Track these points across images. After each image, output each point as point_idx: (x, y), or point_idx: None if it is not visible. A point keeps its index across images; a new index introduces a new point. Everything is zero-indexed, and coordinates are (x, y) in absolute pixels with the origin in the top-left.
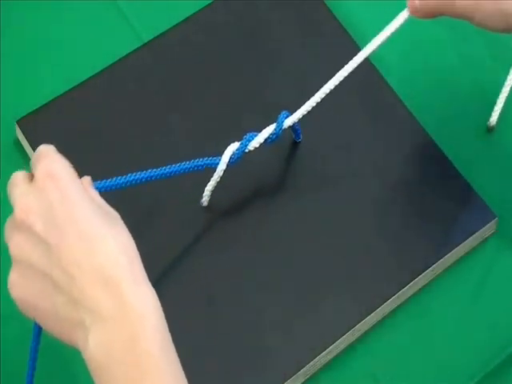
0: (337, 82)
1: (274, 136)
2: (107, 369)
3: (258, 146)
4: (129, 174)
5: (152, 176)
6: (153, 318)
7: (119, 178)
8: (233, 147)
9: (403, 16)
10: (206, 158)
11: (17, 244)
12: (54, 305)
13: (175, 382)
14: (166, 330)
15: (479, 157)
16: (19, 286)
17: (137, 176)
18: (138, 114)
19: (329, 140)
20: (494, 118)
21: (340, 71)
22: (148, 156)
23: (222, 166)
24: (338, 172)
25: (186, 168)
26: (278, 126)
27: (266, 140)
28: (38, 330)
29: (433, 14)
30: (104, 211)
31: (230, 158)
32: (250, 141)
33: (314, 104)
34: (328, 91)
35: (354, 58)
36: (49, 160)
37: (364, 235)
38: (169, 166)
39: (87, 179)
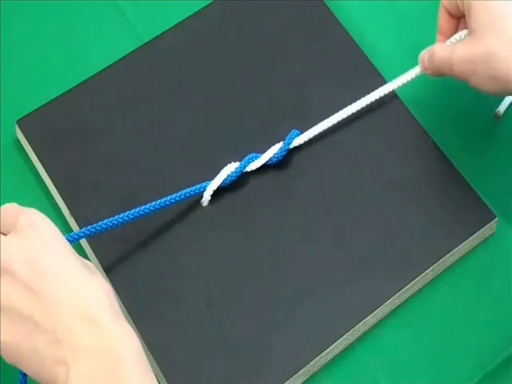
0: (353, 111)
1: (280, 155)
2: None
3: (259, 166)
4: (111, 218)
5: (134, 217)
6: (133, 349)
7: (95, 225)
8: (230, 168)
9: (416, 71)
10: (192, 188)
11: (1, 291)
12: (36, 346)
13: None
14: (146, 360)
15: (479, 157)
16: (3, 330)
17: (120, 218)
18: (137, 114)
19: (327, 140)
20: (501, 108)
21: (360, 100)
22: (148, 156)
23: (214, 187)
24: (338, 172)
25: (172, 202)
26: (284, 146)
27: (269, 160)
28: (24, 378)
29: (438, 74)
30: (82, 261)
31: (227, 177)
32: (250, 162)
33: (326, 127)
34: (341, 118)
35: (377, 91)
36: (30, 212)
37: (364, 235)
38: (153, 203)
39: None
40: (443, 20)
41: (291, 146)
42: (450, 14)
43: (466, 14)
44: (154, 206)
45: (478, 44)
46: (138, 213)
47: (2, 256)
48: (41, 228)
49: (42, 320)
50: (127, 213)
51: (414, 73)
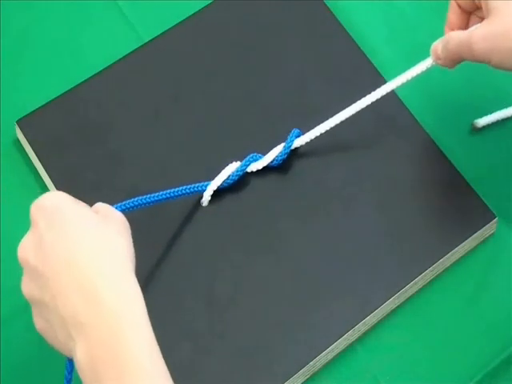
0: (354, 112)
1: (281, 158)
2: (94, 374)
3: (260, 168)
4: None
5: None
6: (132, 316)
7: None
8: (231, 168)
9: (427, 63)
10: (195, 185)
11: (23, 283)
12: (52, 327)
13: (159, 377)
14: (147, 326)
15: (479, 157)
16: (35, 320)
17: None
18: (138, 114)
19: (328, 140)
20: (481, 121)
21: (361, 100)
22: (148, 156)
23: (214, 187)
24: (338, 173)
25: (175, 195)
26: (285, 149)
27: (271, 161)
28: (70, 365)
29: (454, 61)
30: (99, 217)
31: (228, 177)
32: (251, 162)
33: (328, 128)
34: (343, 119)
35: (378, 90)
36: (40, 197)
37: (364, 235)
38: (159, 193)
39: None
40: (453, 14)
41: (292, 147)
42: (462, 8)
43: None
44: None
45: (498, 21)
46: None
47: (18, 249)
48: (46, 206)
49: (50, 301)
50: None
51: (424, 66)
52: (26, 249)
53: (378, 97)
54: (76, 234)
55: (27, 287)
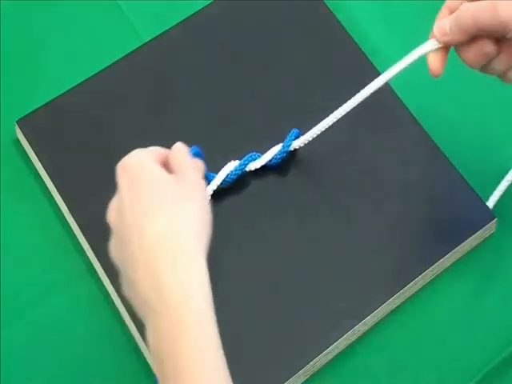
0: (350, 108)
1: (279, 158)
2: (157, 355)
3: (259, 167)
4: None
5: None
6: (192, 311)
7: None
8: (231, 166)
9: (427, 47)
10: None
11: (110, 243)
12: (134, 295)
13: (214, 367)
14: (208, 319)
15: (479, 158)
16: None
17: None
18: (137, 114)
19: (328, 142)
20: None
21: (356, 95)
22: None
23: (213, 186)
24: (337, 172)
25: None
26: (284, 148)
27: (269, 161)
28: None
29: (467, 33)
30: (174, 183)
31: (227, 175)
32: (250, 161)
33: (327, 126)
34: (340, 116)
35: (372, 83)
36: (125, 156)
37: (364, 236)
38: None
39: (178, 148)
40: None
41: (291, 148)
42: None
43: None
44: None
45: None
46: None
47: (107, 212)
48: (128, 169)
49: (130, 271)
50: None
51: (423, 50)
52: (110, 211)
53: (375, 89)
54: (150, 203)
55: (113, 248)
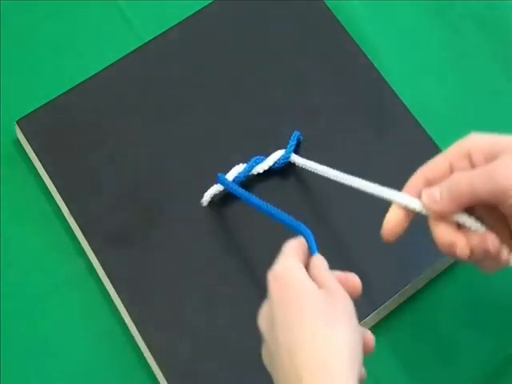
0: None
1: (282, 162)
2: None
3: (261, 171)
4: None
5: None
6: None
7: None
8: (237, 169)
9: (405, 201)
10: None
11: (263, 346)
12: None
13: None
14: None
15: None
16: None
17: None
18: (138, 114)
19: (329, 144)
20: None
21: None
22: (149, 156)
23: (215, 190)
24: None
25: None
26: (288, 150)
27: (273, 164)
28: None
29: (460, 202)
30: (325, 297)
31: (235, 179)
32: (256, 164)
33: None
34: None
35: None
36: (278, 261)
37: (363, 236)
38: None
39: (319, 260)
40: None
41: (293, 150)
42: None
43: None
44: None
45: None
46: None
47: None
48: (279, 278)
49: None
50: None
51: (400, 199)
52: (262, 318)
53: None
54: (300, 319)
55: (264, 353)
